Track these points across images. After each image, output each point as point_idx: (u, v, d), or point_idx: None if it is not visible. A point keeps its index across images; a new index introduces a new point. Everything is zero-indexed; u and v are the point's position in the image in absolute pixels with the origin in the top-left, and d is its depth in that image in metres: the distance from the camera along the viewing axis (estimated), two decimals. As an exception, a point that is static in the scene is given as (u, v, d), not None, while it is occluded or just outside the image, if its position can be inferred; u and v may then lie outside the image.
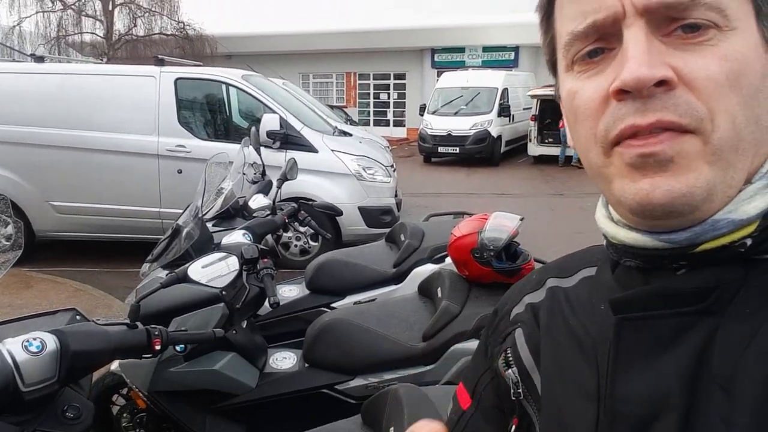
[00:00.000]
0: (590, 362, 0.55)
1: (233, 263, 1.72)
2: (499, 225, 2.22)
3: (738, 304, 0.47)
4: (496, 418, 0.67)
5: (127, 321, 1.27)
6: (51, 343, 1.18)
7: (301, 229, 5.54)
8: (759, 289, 0.48)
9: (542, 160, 14.94)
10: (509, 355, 0.65)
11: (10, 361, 1.12)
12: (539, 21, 0.59)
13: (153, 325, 1.29)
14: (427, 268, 2.92)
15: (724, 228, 0.48)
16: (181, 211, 2.43)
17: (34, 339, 1.17)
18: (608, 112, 0.49)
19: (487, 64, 20.66)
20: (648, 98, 0.46)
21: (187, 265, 1.69)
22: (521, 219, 2.25)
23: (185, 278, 1.62)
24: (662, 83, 0.45)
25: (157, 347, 1.27)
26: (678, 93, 0.46)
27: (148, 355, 1.32)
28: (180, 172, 5.80)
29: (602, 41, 0.50)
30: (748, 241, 0.48)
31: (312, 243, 5.89)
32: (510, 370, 0.64)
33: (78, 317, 1.40)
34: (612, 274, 0.58)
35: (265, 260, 2.00)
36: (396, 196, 6.58)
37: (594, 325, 0.56)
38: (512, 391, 0.63)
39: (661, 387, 0.48)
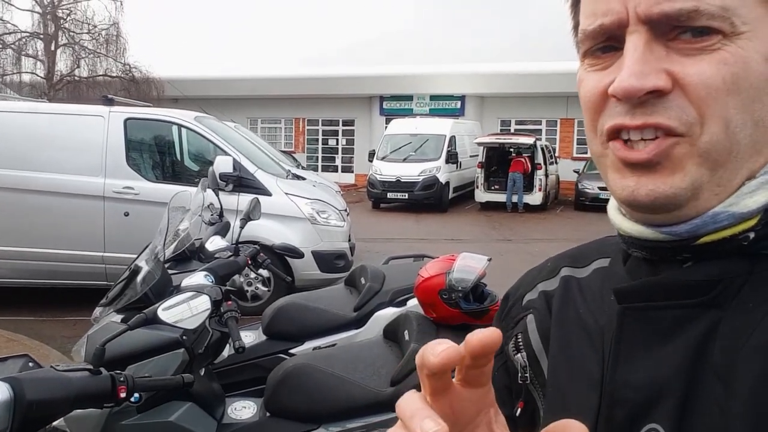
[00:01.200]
0: (597, 351, 0.56)
1: (203, 303, 1.64)
2: (467, 266, 2.22)
3: (742, 297, 0.48)
4: (507, 402, 0.67)
5: (89, 367, 1.17)
6: (4, 391, 1.08)
7: (252, 275, 5.46)
8: (764, 284, 0.48)
9: (489, 207, 15.27)
10: (519, 339, 0.66)
11: (-44, 413, 1.01)
12: (569, 6, 0.60)
13: (118, 371, 1.20)
14: (389, 312, 2.88)
15: (725, 221, 0.49)
16: (126, 255, 2.33)
17: (-14, 387, 1.06)
18: (607, 108, 0.51)
19: (434, 112, 21.19)
20: (640, 104, 0.48)
21: (156, 305, 1.59)
22: (489, 260, 2.26)
23: (155, 319, 1.53)
24: (654, 92, 0.47)
25: (122, 395, 1.18)
26: (671, 98, 0.48)
27: (110, 405, 1.22)
28: (127, 214, 5.62)
29: (612, 41, 0.51)
30: (751, 235, 0.49)
31: (263, 288, 5.75)
32: (519, 354, 0.65)
33: (31, 364, 1.29)
34: (624, 266, 0.59)
35: (229, 303, 1.92)
36: (350, 240, 6.55)
37: (603, 314, 0.57)
38: (519, 374, 0.65)
39: (661, 375, 0.49)
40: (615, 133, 0.51)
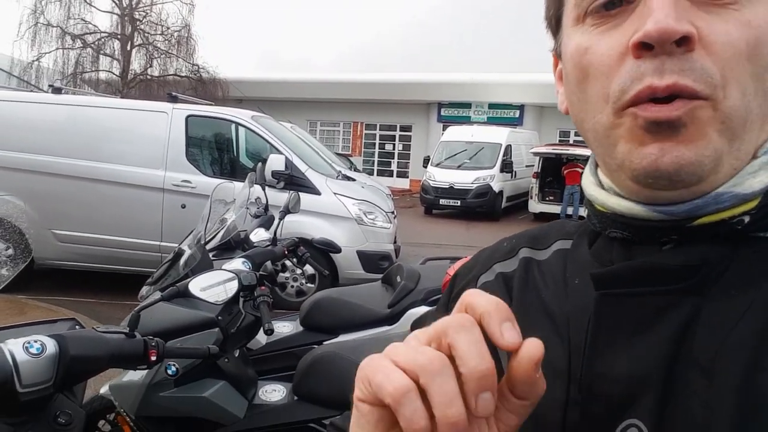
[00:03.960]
0: (562, 339, 0.52)
1: (233, 286, 1.77)
2: (493, 267, 2.27)
3: (724, 283, 0.46)
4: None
5: (126, 330, 1.31)
6: (51, 346, 1.22)
7: (298, 271, 5.62)
8: (748, 269, 0.46)
9: (543, 218, 15.02)
10: None
11: (10, 360, 1.16)
12: None
13: (150, 336, 1.33)
14: (422, 310, 2.94)
15: (727, 202, 0.46)
16: (177, 245, 2.49)
17: (35, 341, 1.21)
18: (624, 70, 0.46)
19: (492, 121, 21.06)
20: (667, 56, 0.44)
21: (188, 279, 1.73)
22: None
23: (186, 292, 1.67)
24: (683, 41, 0.44)
25: (153, 358, 1.31)
26: (695, 57, 0.44)
27: (143, 366, 1.35)
28: (184, 207, 5.88)
29: None
30: (746, 218, 0.47)
31: (308, 284, 5.91)
32: None
33: (77, 327, 1.44)
34: (589, 249, 0.56)
35: (263, 288, 2.04)
36: (395, 242, 6.63)
37: (567, 300, 0.54)
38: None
39: (640, 367, 0.46)
40: (642, 99, 0.45)
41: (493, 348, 0.37)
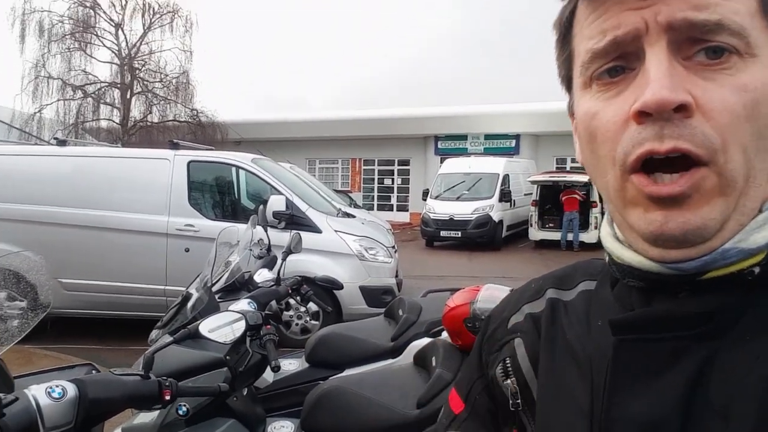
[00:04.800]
0: (585, 379, 0.54)
1: (240, 326, 1.85)
2: (491, 296, 2.34)
3: (739, 329, 0.47)
4: (490, 425, 0.66)
5: (140, 372, 1.39)
6: (71, 390, 1.29)
7: (302, 308, 5.68)
8: (761, 315, 0.47)
9: (543, 245, 15.11)
10: (508, 364, 0.64)
11: (34, 405, 1.23)
12: (556, 39, 0.59)
13: (164, 377, 1.40)
14: (424, 342, 2.99)
15: (734, 257, 0.48)
16: (185, 289, 2.57)
17: (57, 386, 1.28)
18: (627, 136, 0.49)
19: (489, 151, 21.27)
20: (666, 122, 0.46)
21: (197, 322, 1.81)
22: (511, 290, 2.37)
23: (196, 334, 1.74)
24: (681, 108, 0.46)
25: (167, 397, 1.38)
26: (694, 122, 0.46)
27: (158, 407, 1.42)
28: (187, 250, 5.97)
29: (622, 60, 0.50)
30: (756, 269, 0.48)
31: (313, 321, 5.95)
32: (509, 380, 0.63)
33: (93, 371, 1.51)
34: (611, 291, 0.58)
35: (268, 327, 2.12)
36: (397, 276, 6.69)
37: (590, 341, 0.56)
38: (510, 401, 0.63)
39: (658, 411, 0.47)
40: (639, 165, 0.48)
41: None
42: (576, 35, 0.55)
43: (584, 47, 0.52)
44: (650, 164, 0.48)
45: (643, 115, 0.47)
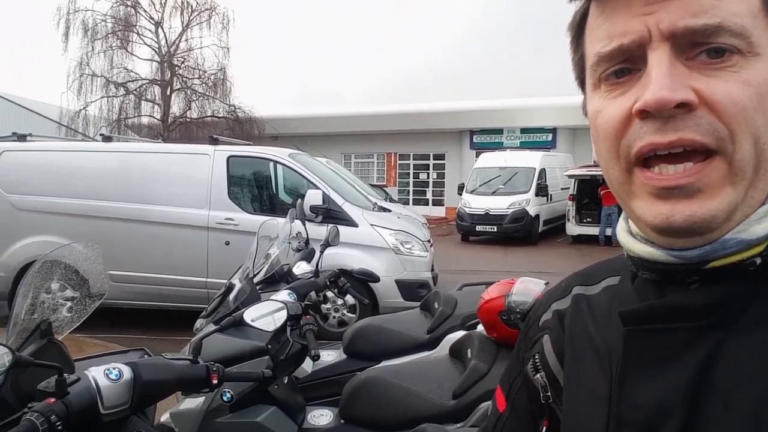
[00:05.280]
0: (604, 368, 0.58)
1: (281, 316, 1.92)
2: (526, 289, 2.36)
3: (745, 320, 0.49)
4: (530, 420, 0.70)
5: (190, 357, 1.46)
6: (127, 372, 1.37)
7: (340, 301, 5.76)
8: (767, 306, 0.49)
9: (581, 240, 14.89)
10: (537, 360, 0.68)
11: (94, 385, 1.31)
12: (569, 40, 0.61)
13: (211, 362, 1.48)
14: (459, 335, 3.02)
15: (733, 247, 0.50)
16: (226, 281, 2.66)
17: (114, 368, 1.36)
18: (630, 132, 0.51)
19: (525, 145, 21.01)
20: (669, 118, 0.48)
21: (242, 310, 1.89)
22: (546, 284, 2.38)
23: (240, 322, 1.82)
24: (683, 105, 0.47)
25: (215, 381, 1.45)
26: (699, 114, 0.48)
27: (206, 390, 1.49)
28: (227, 243, 6.11)
29: (628, 62, 0.52)
30: (758, 260, 0.50)
31: (350, 314, 6.03)
32: (538, 375, 0.67)
33: (146, 356, 1.60)
34: (632, 285, 0.60)
35: (308, 317, 2.18)
36: (432, 270, 6.72)
37: (611, 333, 0.59)
38: (541, 394, 0.67)
39: (665, 397, 0.50)
40: (643, 160, 0.50)
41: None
42: (587, 38, 0.57)
43: (593, 50, 0.55)
44: (654, 160, 0.50)
45: (644, 113, 0.49)
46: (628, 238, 0.58)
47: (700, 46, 0.48)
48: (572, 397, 0.61)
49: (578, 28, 0.59)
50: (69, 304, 1.77)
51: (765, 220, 0.50)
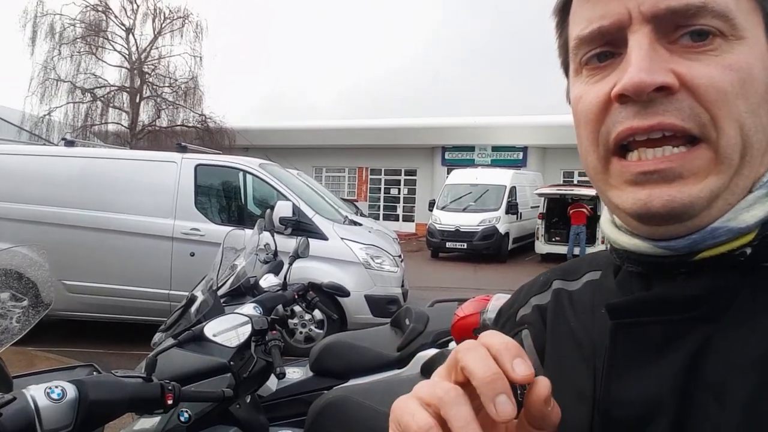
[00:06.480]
0: (588, 365, 0.56)
1: (245, 330, 1.80)
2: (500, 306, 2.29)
3: (735, 311, 0.47)
4: None
5: (143, 375, 1.34)
6: (71, 391, 1.25)
7: (307, 317, 5.63)
8: (757, 297, 0.48)
9: (550, 258, 15.01)
10: None
11: (32, 406, 1.18)
12: (555, 25, 0.59)
13: (166, 380, 1.36)
14: (431, 352, 2.94)
15: (723, 236, 0.48)
16: (189, 292, 2.53)
17: (56, 387, 1.23)
18: (609, 117, 0.50)
19: (496, 163, 21.25)
20: (648, 102, 0.47)
21: (202, 324, 1.77)
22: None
23: (201, 336, 1.70)
24: (663, 89, 0.46)
25: (170, 401, 1.33)
26: (680, 98, 0.46)
27: (160, 411, 1.37)
28: (192, 255, 5.94)
29: (609, 45, 0.51)
30: (748, 250, 0.48)
31: (317, 330, 5.89)
32: None
33: (95, 373, 1.47)
34: (614, 279, 0.59)
35: (274, 332, 2.07)
36: (403, 286, 6.64)
37: (594, 328, 0.57)
38: (519, 391, 0.64)
39: (654, 392, 0.48)
40: (621, 147, 0.49)
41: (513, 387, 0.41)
42: (570, 21, 0.55)
43: (574, 33, 0.53)
44: (633, 145, 0.49)
45: (623, 97, 0.48)
46: (613, 229, 0.56)
47: (683, 29, 0.47)
48: (553, 394, 0.56)
49: (563, 12, 0.57)
50: (16, 312, 1.63)
51: (754, 208, 0.48)
